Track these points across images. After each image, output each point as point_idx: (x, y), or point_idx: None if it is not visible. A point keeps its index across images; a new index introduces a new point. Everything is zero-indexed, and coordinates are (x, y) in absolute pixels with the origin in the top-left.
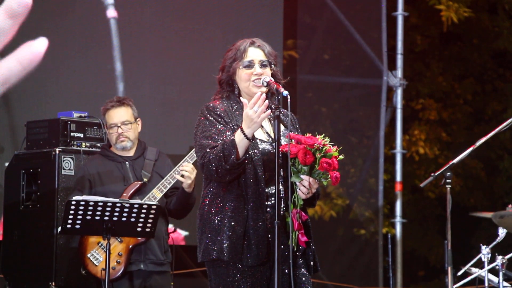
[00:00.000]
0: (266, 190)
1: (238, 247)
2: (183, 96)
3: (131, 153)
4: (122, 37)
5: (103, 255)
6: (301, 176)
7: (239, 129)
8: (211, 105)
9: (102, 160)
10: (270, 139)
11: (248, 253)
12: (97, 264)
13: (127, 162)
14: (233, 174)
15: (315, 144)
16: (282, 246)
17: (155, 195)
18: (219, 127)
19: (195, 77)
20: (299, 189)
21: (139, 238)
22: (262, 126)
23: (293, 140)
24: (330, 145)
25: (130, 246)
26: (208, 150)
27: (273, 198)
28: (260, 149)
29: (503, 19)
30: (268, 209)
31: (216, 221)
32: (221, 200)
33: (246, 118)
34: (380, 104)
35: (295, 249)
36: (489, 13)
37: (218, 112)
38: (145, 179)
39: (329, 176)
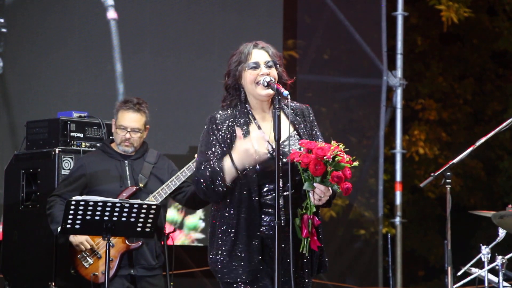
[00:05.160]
0: (262, 201)
1: (226, 264)
2: (183, 97)
3: (131, 152)
4: (122, 38)
5: (93, 258)
6: (314, 184)
7: (230, 160)
8: (215, 116)
9: (101, 157)
10: (271, 149)
11: (240, 269)
12: (87, 266)
13: (126, 161)
14: (220, 197)
15: (325, 157)
16: (282, 245)
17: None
18: (216, 148)
19: (195, 77)
20: (312, 196)
21: (130, 244)
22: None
23: (301, 148)
24: (343, 154)
25: (121, 253)
26: (200, 170)
27: (270, 209)
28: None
29: (503, 20)
30: (264, 221)
31: (212, 236)
32: (216, 215)
33: (238, 153)
34: (380, 104)
35: (307, 254)
36: (489, 14)
37: (220, 126)
38: (140, 185)
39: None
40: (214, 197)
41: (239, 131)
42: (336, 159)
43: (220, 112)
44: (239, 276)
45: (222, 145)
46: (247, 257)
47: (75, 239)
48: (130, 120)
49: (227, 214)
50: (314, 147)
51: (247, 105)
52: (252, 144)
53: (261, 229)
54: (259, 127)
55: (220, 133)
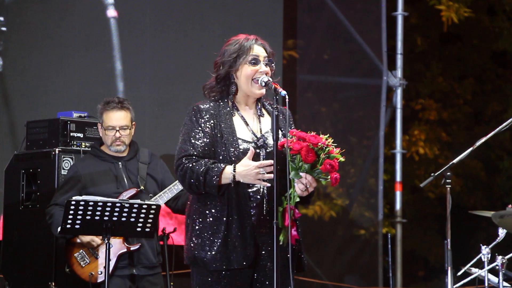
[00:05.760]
0: (249, 190)
1: (221, 252)
2: (183, 96)
3: (124, 153)
4: (122, 37)
5: (91, 258)
6: (301, 173)
7: (232, 167)
8: (199, 106)
9: (94, 161)
10: (255, 137)
11: (232, 256)
12: (83, 265)
13: (120, 163)
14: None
15: (319, 144)
16: (265, 245)
17: None
18: (201, 135)
19: (195, 76)
20: (297, 186)
21: (128, 246)
22: (247, 124)
23: (291, 136)
24: (333, 146)
25: (118, 254)
26: (185, 159)
27: (258, 197)
28: (242, 150)
29: (503, 20)
30: (252, 211)
31: (198, 226)
32: (202, 205)
33: (247, 169)
34: (380, 104)
35: (284, 245)
36: (489, 14)
37: (204, 115)
38: (142, 187)
39: (329, 177)
40: (201, 194)
41: (251, 150)
42: (327, 149)
43: (203, 102)
44: (233, 264)
45: (205, 134)
46: (242, 244)
47: (84, 238)
48: (117, 119)
49: (218, 202)
50: (307, 135)
51: (230, 96)
52: (260, 167)
53: (251, 219)
54: (242, 118)
55: (203, 120)
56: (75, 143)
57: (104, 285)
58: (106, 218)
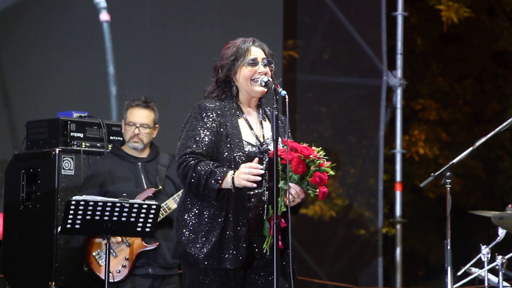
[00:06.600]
0: (248, 193)
1: (214, 251)
2: (183, 97)
3: (144, 154)
4: (120, 39)
5: (109, 256)
6: (290, 184)
7: (233, 171)
8: (205, 104)
9: (114, 159)
10: (258, 142)
11: (225, 256)
12: (101, 264)
13: (139, 163)
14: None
15: (311, 156)
16: (257, 254)
17: (170, 205)
18: (207, 132)
19: (195, 77)
20: (285, 196)
21: (147, 245)
22: (251, 128)
23: (283, 145)
24: (324, 160)
25: (137, 253)
26: (189, 156)
27: (253, 199)
28: (246, 152)
29: (503, 20)
30: (249, 212)
31: (193, 223)
32: (199, 202)
33: (241, 170)
34: (380, 104)
35: (268, 253)
36: (489, 14)
37: (210, 113)
38: (160, 187)
39: (317, 190)
40: (201, 194)
41: (256, 161)
42: (318, 162)
43: (208, 101)
44: (224, 263)
45: (211, 132)
46: (236, 245)
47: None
48: (139, 116)
49: (216, 202)
50: (299, 146)
51: (235, 99)
52: (249, 168)
53: (247, 219)
54: (246, 121)
55: (209, 120)
56: (75, 143)
57: (121, 284)
58: (106, 218)
